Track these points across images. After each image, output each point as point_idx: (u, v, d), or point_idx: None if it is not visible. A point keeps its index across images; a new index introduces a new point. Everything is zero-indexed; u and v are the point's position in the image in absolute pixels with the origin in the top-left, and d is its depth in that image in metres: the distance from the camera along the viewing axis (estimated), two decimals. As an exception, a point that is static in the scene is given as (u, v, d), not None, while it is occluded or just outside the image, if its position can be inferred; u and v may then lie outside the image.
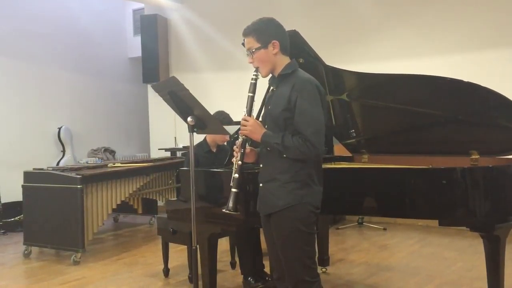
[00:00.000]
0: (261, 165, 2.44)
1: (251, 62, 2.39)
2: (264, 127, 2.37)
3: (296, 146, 2.21)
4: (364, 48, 6.11)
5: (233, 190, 2.34)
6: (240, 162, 2.35)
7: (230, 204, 2.32)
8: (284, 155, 2.26)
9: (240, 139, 2.37)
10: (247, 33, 2.37)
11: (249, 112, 2.37)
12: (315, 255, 2.38)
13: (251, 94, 2.37)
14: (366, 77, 3.09)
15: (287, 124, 2.28)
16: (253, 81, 2.37)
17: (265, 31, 2.33)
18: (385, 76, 3.03)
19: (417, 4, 5.87)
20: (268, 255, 3.73)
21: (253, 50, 2.34)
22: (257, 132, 2.32)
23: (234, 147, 2.41)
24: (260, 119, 2.48)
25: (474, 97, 2.79)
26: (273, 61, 2.35)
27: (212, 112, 3.11)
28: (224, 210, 2.34)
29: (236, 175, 2.34)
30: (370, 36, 6.12)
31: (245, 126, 2.34)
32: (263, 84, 2.44)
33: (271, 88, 2.46)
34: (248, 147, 2.42)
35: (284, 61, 2.37)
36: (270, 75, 2.42)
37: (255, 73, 2.38)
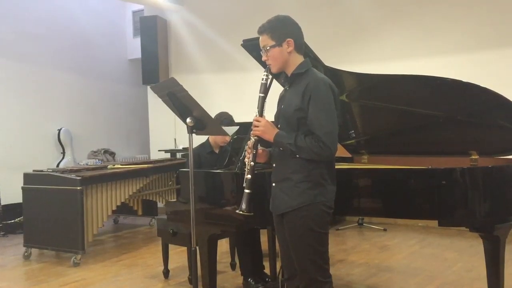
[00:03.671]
0: (273, 165, 2.43)
1: (265, 60, 2.37)
2: (277, 127, 2.36)
3: (309, 146, 2.21)
4: (363, 49, 6.11)
5: (246, 191, 2.34)
6: (252, 163, 2.35)
7: (243, 205, 2.33)
8: (297, 155, 2.26)
9: (252, 140, 2.36)
10: (262, 31, 2.35)
11: (261, 112, 2.36)
12: (328, 255, 2.36)
13: (262, 95, 2.36)
14: (366, 78, 3.09)
15: (300, 124, 2.27)
16: (263, 82, 2.36)
17: (280, 29, 2.32)
18: (384, 77, 3.03)
19: (415, 5, 5.87)
20: (268, 256, 3.77)
21: (268, 48, 2.33)
22: (270, 132, 2.32)
23: (246, 147, 2.40)
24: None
25: (473, 97, 2.79)
26: (286, 59, 2.34)
27: (212, 113, 3.11)
28: (237, 211, 2.35)
29: (249, 176, 2.34)
30: (369, 37, 6.12)
31: (257, 126, 2.33)
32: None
33: (284, 87, 2.45)
34: (260, 148, 2.41)
35: (297, 60, 2.36)
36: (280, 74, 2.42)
37: (265, 73, 2.37)
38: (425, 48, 5.75)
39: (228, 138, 3.77)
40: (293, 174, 2.29)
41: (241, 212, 2.33)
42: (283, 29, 2.32)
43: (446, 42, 5.64)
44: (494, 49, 5.39)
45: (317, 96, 2.23)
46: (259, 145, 2.39)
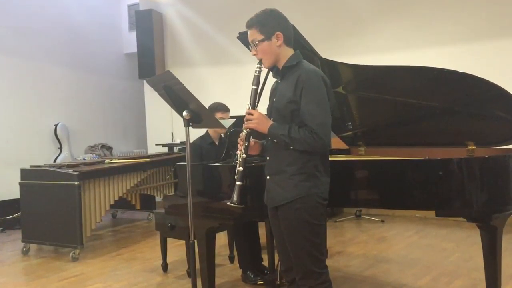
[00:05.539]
0: (267, 158, 2.43)
1: (254, 54, 2.37)
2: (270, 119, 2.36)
3: (302, 137, 2.21)
4: (360, 40, 6.10)
5: (238, 183, 2.33)
6: (244, 156, 2.34)
7: (235, 197, 2.33)
8: (291, 147, 2.26)
9: (244, 132, 2.35)
10: (250, 25, 2.34)
11: (253, 105, 2.35)
12: (324, 247, 2.37)
13: (254, 87, 2.35)
14: (362, 70, 3.08)
15: (293, 116, 2.27)
16: (256, 74, 2.35)
17: (268, 23, 2.31)
18: (381, 68, 3.02)
19: (412, -5, 5.86)
20: (266, 249, 3.77)
21: (257, 42, 2.32)
22: (264, 124, 2.31)
23: (238, 139, 2.39)
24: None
25: (470, 88, 2.79)
26: (277, 53, 2.33)
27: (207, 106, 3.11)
28: (228, 203, 2.35)
29: (241, 168, 2.34)
30: (366, 28, 6.11)
31: (251, 119, 2.32)
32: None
33: (276, 80, 2.45)
34: (252, 140, 2.41)
35: (288, 52, 2.35)
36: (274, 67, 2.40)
37: (258, 65, 2.36)
38: (422, 39, 5.75)
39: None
40: (287, 167, 2.29)
41: (232, 204, 2.33)
42: (271, 22, 2.31)
43: (442, 33, 5.64)
44: (491, 40, 5.39)
45: (309, 88, 2.23)
46: (251, 137, 2.38)
